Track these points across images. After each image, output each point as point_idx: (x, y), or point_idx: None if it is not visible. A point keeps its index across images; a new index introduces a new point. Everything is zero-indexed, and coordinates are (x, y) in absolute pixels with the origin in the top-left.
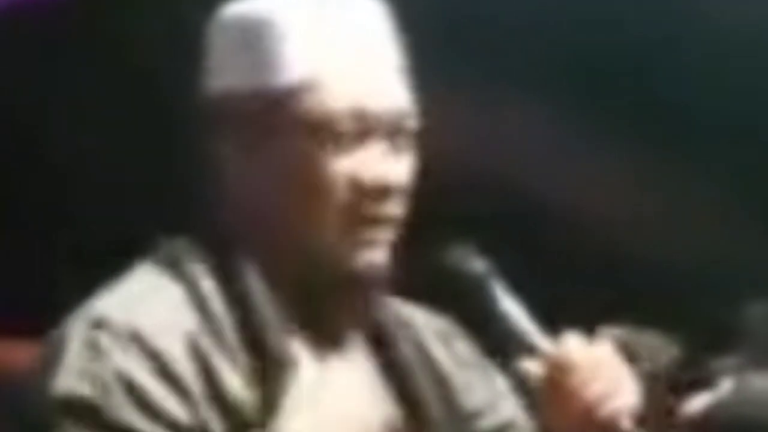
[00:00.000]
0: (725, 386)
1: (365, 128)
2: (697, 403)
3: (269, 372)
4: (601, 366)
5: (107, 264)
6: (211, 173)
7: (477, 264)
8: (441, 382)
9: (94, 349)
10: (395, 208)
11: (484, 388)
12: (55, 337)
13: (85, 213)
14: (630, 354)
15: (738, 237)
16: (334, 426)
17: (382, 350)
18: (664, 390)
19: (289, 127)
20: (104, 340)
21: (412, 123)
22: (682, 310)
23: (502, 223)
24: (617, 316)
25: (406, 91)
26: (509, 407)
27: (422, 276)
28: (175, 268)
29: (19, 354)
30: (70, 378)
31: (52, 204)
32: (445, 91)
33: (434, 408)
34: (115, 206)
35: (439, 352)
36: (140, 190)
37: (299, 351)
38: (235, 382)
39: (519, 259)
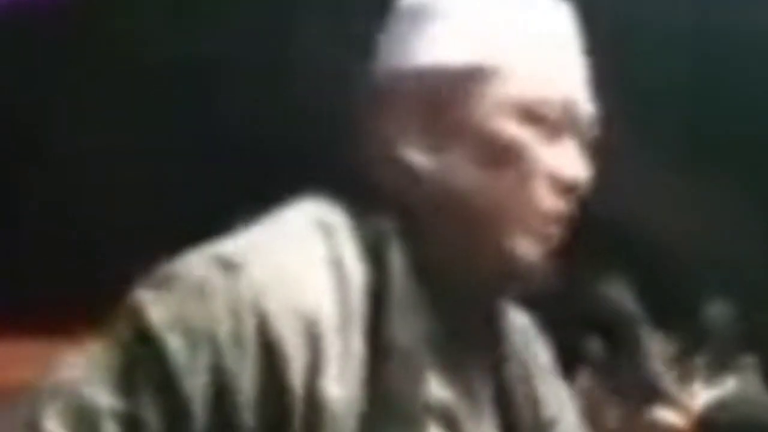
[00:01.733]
0: (729, 385)
1: (567, 121)
2: (698, 400)
3: (386, 370)
4: None
5: (113, 263)
6: (360, 152)
7: (633, 305)
8: (530, 397)
9: (204, 300)
10: (570, 208)
11: (556, 397)
12: (166, 270)
13: (84, 213)
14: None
15: (750, 238)
16: None
17: (500, 368)
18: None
19: (490, 109)
20: (219, 301)
21: (595, 129)
22: (687, 309)
23: None
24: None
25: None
26: (573, 418)
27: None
28: (322, 223)
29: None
30: (165, 322)
31: (52, 204)
32: None
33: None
34: (114, 206)
35: (526, 356)
36: (140, 190)
37: (428, 361)
38: (337, 389)
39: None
